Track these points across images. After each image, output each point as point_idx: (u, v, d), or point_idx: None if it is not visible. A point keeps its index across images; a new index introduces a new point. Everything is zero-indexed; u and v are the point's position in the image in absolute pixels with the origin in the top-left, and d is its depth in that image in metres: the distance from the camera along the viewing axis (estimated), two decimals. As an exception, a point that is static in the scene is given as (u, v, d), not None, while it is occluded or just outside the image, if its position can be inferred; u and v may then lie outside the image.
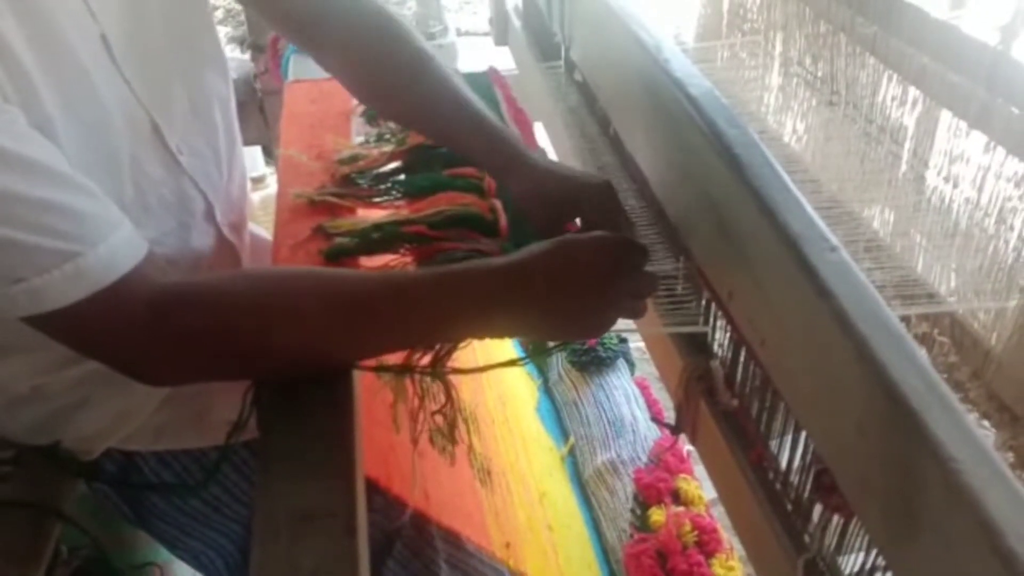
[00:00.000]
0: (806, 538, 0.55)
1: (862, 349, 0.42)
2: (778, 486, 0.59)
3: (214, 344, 0.59)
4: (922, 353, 0.43)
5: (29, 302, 0.53)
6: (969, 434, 0.37)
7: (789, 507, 0.58)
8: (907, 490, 0.39)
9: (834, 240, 0.50)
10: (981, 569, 0.34)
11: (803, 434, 0.55)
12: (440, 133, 0.83)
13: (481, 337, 0.65)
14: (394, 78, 0.82)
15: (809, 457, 0.54)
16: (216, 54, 0.82)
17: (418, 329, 0.63)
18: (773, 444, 0.61)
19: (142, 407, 0.76)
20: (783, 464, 0.58)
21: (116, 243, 0.55)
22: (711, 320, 0.69)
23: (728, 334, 0.66)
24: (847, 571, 0.52)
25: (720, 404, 0.66)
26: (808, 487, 0.54)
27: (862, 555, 0.50)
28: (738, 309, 0.59)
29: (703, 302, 0.70)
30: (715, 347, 0.69)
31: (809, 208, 0.53)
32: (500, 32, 1.39)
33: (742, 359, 0.63)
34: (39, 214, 0.52)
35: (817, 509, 0.54)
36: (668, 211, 0.75)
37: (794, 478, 0.57)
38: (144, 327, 0.56)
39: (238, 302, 0.60)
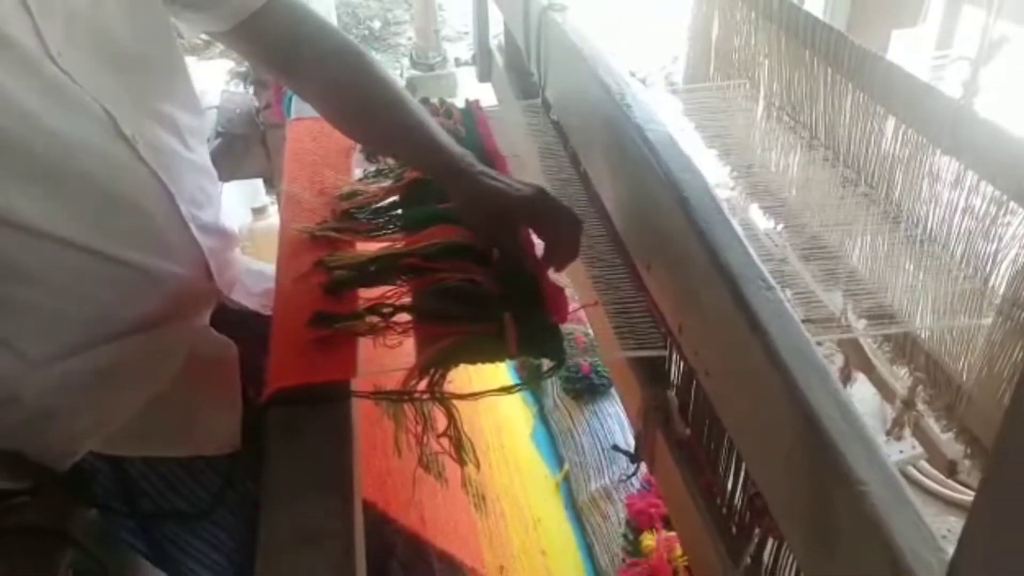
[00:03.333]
0: (747, 559, 0.58)
1: (787, 379, 0.45)
2: (724, 511, 0.62)
3: None
4: (841, 385, 0.47)
5: None
6: (879, 460, 0.41)
7: (734, 530, 0.61)
8: (823, 511, 0.43)
9: (771, 280, 0.54)
10: None
11: (744, 462, 0.58)
12: (395, 151, 0.95)
13: None
14: (356, 105, 0.89)
15: (748, 482, 0.58)
16: (185, 91, 0.86)
17: None
18: (722, 471, 0.64)
19: (121, 410, 0.79)
20: (728, 490, 0.61)
21: None
22: (668, 351, 0.72)
23: (681, 365, 0.69)
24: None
25: (674, 433, 0.69)
26: (751, 515, 0.57)
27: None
28: (687, 341, 0.63)
29: (661, 333, 0.74)
30: (671, 378, 0.72)
31: (751, 249, 0.57)
32: (484, 70, 1.43)
33: (693, 390, 0.67)
34: None
35: (757, 532, 0.57)
36: (628, 247, 0.78)
37: (737, 503, 0.60)
38: None
39: None
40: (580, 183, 0.98)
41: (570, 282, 0.91)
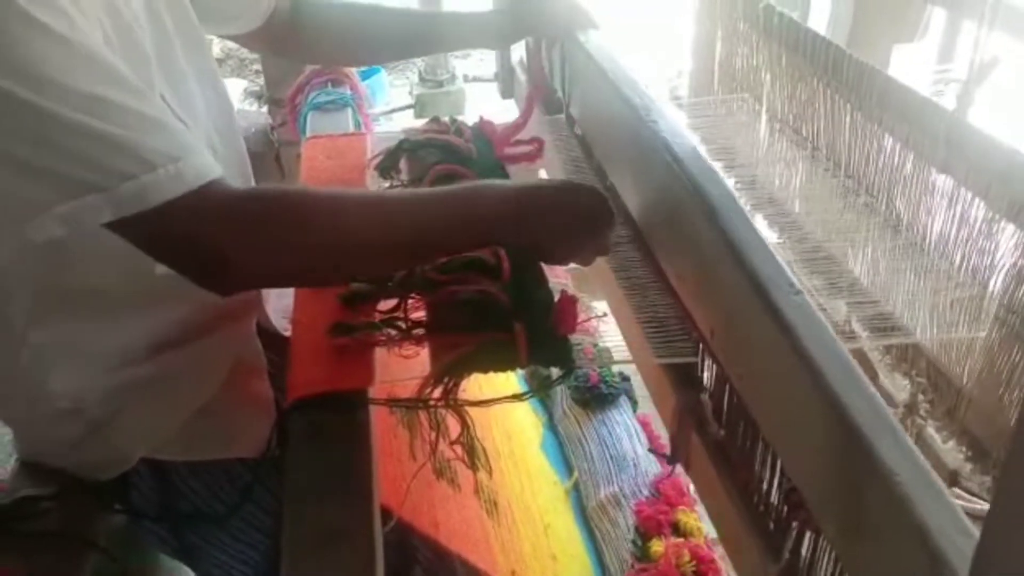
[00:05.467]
0: (786, 553, 0.60)
1: (817, 378, 0.48)
2: (761, 508, 0.64)
3: (294, 238, 0.66)
4: (868, 382, 0.49)
5: (135, 198, 0.59)
6: (908, 451, 0.43)
7: (771, 527, 0.63)
8: (857, 501, 0.45)
9: (798, 284, 0.56)
10: (914, 566, 0.40)
11: (779, 459, 0.60)
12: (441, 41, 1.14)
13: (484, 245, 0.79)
14: (382, 32, 1.08)
15: (784, 479, 0.60)
16: (227, 105, 0.92)
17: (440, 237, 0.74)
18: (757, 469, 0.66)
19: (174, 417, 0.82)
20: (764, 487, 0.64)
21: (204, 156, 0.64)
22: (700, 356, 0.75)
23: (714, 369, 0.72)
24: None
25: (709, 435, 0.71)
26: (785, 508, 0.60)
27: (831, 565, 0.55)
28: (719, 346, 0.65)
29: (692, 339, 0.76)
30: (704, 381, 0.75)
31: (778, 256, 0.59)
32: (506, 86, 1.47)
33: (726, 392, 0.69)
34: (151, 125, 0.61)
35: (795, 526, 0.59)
36: (657, 257, 0.81)
37: (774, 499, 0.62)
38: (235, 226, 0.64)
39: (319, 205, 0.69)
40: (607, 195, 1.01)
41: (600, 291, 0.94)
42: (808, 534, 0.57)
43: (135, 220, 0.60)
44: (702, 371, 0.75)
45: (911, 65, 1.47)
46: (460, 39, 1.14)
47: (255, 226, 0.65)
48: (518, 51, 1.46)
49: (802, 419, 0.51)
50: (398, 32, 1.09)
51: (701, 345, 0.74)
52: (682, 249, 0.73)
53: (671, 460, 0.79)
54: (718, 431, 0.72)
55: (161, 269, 0.66)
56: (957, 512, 0.40)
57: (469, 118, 1.19)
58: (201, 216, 0.62)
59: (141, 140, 0.60)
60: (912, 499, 0.41)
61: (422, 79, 3.68)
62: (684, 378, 0.76)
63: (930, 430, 0.86)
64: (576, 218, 0.76)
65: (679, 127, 0.78)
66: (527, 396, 0.81)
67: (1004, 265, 0.73)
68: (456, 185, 0.78)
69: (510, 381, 1.12)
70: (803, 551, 0.58)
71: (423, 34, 1.11)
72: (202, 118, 0.82)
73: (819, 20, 1.55)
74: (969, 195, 0.74)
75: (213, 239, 0.64)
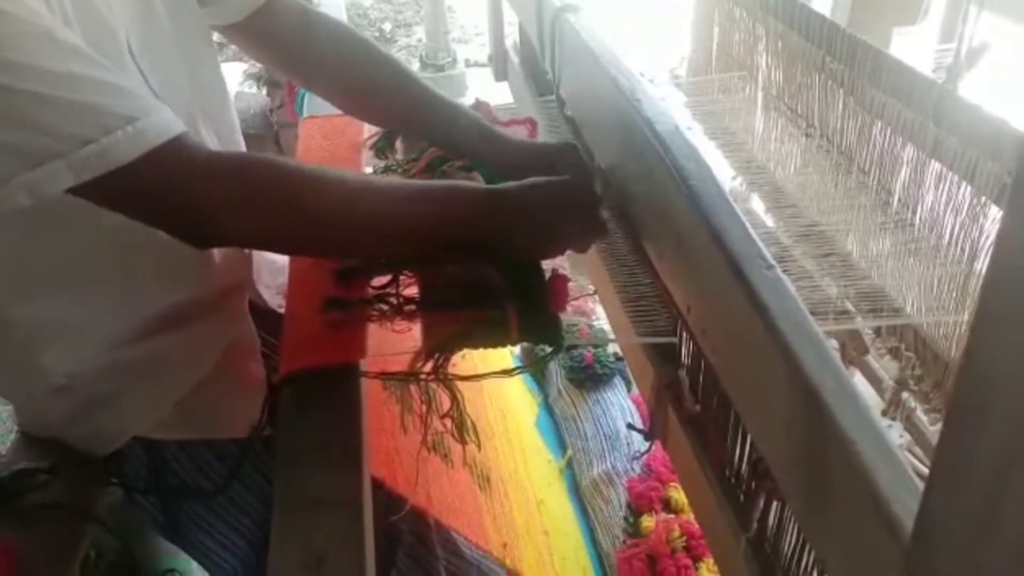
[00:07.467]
0: (754, 524, 0.62)
1: (786, 351, 0.48)
2: (732, 480, 0.65)
3: (270, 200, 0.68)
4: (837, 355, 0.49)
5: (98, 161, 0.60)
6: (870, 422, 0.44)
7: (741, 499, 0.64)
8: (818, 469, 0.46)
9: (770, 259, 0.56)
10: (871, 531, 0.40)
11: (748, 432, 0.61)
12: (424, 129, 0.98)
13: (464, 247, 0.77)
14: (380, 92, 0.96)
15: (752, 450, 0.61)
16: (221, 91, 0.91)
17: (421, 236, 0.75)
18: (729, 442, 0.67)
19: (168, 396, 0.83)
20: (735, 460, 0.64)
21: (165, 115, 0.64)
22: (679, 333, 0.75)
23: (690, 345, 0.72)
24: (786, 547, 0.59)
25: (686, 410, 0.72)
26: (755, 480, 0.60)
27: (795, 534, 0.56)
28: (695, 321, 0.66)
29: (672, 316, 0.77)
30: (682, 358, 0.75)
31: (752, 231, 0.59)
32: (499, 68, 1.47)
33: (703, 368, 0.70)
34: (104, 89, 0.61)
35: (762, 496, 0.60)
36: (640, 235, 0.82)
37: (744, 472, 0.63)
38: (204, 178, 0.65)
39: (278, 170, 0.70)
40: (597, 175, 1.01)
41: (585, 270, 0.95)
42: (775, 505, 0.58)
43: (101, 181, 0.60)
44: (680, 347, 0.76)
45: (912, 48, 1.46)
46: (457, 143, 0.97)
47: (219, 179, 0.66)
48: (512, 35, 1.46)
49: (770, 391, 0.51)
50: (397, 107, 0.98)
51: (679, 322, 0.74)
52: (662, 226, 0.74)
53: (649, 435, 0.80)
54: (694, 406, 0.72)
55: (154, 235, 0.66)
56: (911, 478, 0.41)
57: (469, 101, 1.20)
58: (168, 171, 0.63)
59: (97, 103, 0.60)
60: (869, 466, 0.41)
61: (424, 63, 3.69)
62: (663, 354, 0.76)
63: (920, 414, 0.87)
64: (553, 212, 0.76)
65: (664, 106, 0.78)
66: (516, 372, 0.82)
67: (991, 238, 0.74)
68: (434, 182, 0.79)
69: (504, 359, 1.13)
70: (770, 521, 0.59)
71: (414, 120, 0.99)
72: (184, 98, 0.81)
73: (820, 3, 1.55)
74: (957, 169, 0.74)
75: (182, 192, 0.64)
